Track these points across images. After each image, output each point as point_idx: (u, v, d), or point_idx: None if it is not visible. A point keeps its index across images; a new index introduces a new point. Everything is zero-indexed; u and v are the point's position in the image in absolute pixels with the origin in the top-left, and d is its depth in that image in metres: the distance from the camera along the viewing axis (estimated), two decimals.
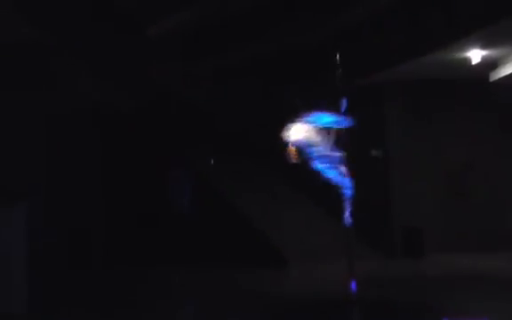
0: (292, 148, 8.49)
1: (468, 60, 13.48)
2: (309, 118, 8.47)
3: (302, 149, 8.47)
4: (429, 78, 14.89)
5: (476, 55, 13.28)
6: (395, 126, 15.35)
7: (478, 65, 13.52)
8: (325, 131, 8.54)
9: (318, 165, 8.49)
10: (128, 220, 15.45)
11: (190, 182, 15.41)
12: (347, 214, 8.55)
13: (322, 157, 8.47)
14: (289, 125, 8.43)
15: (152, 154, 15.65)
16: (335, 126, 8.55)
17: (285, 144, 8.52)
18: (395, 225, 15.15)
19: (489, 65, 13.86)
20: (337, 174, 8.53)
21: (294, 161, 8.53)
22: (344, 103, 8.71)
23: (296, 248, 14.29)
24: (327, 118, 8.54)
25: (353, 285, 9.08)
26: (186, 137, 15.91)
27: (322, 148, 8.49)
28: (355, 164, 9.18)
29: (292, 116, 8.48)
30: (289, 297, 11.13)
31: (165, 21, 14.47)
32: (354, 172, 8.97)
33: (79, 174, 14.43)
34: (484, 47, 12.97)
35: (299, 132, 8.46)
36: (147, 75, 14.40)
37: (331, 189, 8.97)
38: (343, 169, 8.61)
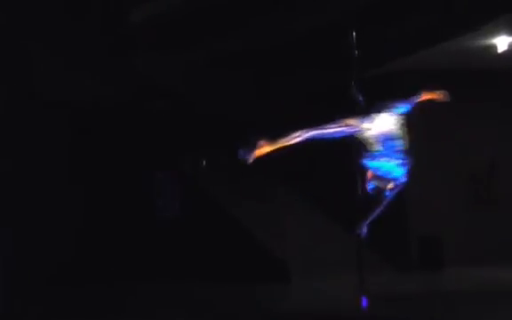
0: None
1: (494, 48, 13.53)
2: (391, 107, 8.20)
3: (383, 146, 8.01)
4: (450, 68, 14.65)
5: (502, 42, 13.35)
6: (411, 123, 14.76)
7: (505, 53, 13.58)
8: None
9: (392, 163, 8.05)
10: (105, 229, 15.26)
11: (179, 186, 15.44)
12: (366, 222, 8.16)
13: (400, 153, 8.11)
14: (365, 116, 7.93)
15: (135, 154, 15.54)
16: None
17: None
18: (410, 234, 15.05)
19: None
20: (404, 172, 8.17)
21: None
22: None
23: (301, 260, 14.28)
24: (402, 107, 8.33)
25: (364, 302, 9.03)
26: (174, 134, 15.74)
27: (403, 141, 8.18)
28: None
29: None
30: (293, 315, 11.05)
31: (150, 5, 14.36)
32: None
33: (50, 177, 14.30)
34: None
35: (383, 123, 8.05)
36: (128, 65, 14.29)
37: (340, 194, 9.29)
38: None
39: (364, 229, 8.13)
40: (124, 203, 15.38)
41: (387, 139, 7.97)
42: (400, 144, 8.07)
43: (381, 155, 7.85)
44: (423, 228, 14.85)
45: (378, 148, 7.80)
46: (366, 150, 7.77)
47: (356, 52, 9.38)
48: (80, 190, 15.12)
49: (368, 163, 7.81)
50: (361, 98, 8.31)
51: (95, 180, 15.36)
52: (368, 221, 8.11)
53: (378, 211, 8.06)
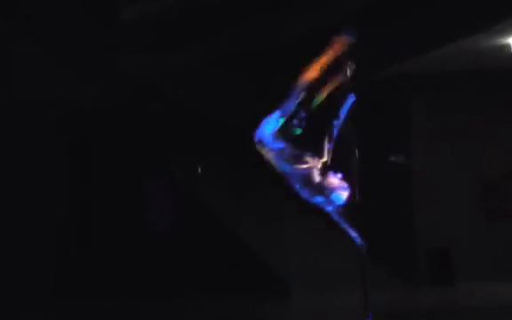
0: None
1: (507, 48, 13.36)
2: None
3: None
4: (462, 69, 14.54)
5: None
6: (420, 127, 14.98)
7: None
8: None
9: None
10: (92, 241, 15.17)
11: (171, 195, 15.33)
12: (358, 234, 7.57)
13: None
14: None
15: (124, 160, 15.39)
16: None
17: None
18: (419, 247, 14.83)
19: None
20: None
21: None
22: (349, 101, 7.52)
23: (301, 275, 14.16)
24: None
25: None
26: (166, 139, 15.61)
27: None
28: (371, 174, 8.80)
29: None
30: None
31: (142, 3, 14.09)
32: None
33: (32, 184, 14.19)
34: None
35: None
36: (118, 66, 14.08)
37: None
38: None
39: (364, 241, 7.52)
40: (112, 214, 15.21)
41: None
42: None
43: None
44: (433, 240, 14.63)
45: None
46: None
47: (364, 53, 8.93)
48: (64, 199, 14.98)
49: None
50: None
51: (81, 188, 15.25)
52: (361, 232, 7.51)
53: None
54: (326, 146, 6.82)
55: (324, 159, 6.82)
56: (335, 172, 6.88)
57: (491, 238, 14.84)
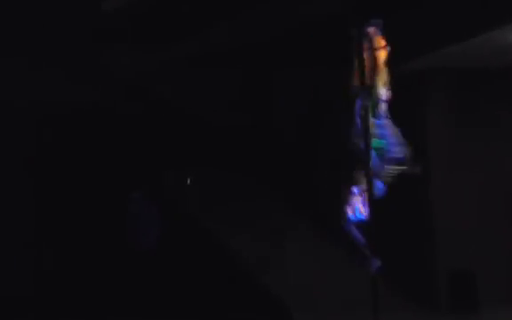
0: None
1: None
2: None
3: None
4: (482, 66, 14.16)
5: None
6: (438, 130, 14.61)
7: None
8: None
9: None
10: (67, 259, 14.60)
11: (158, 209, 14.82)
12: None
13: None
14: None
15: (104, 169, 14.96)
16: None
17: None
18: (438, 267, 14.38)
19: None
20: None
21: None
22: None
23: (304, 299, 13.73)
24: None
25: None
26: (152, 146, 15.23)
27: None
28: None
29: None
30: None
31: None
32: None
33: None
34: None
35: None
36: (99, 62, 13.85)
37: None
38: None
39: (377, 262, 7.53)
40: (92, 229, 14.72)
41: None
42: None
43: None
44: (454, 260, 14.16)
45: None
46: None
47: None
48: (40, 211, 14.60)
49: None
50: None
51: (58, 200, 14.75)
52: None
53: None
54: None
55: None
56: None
57: None
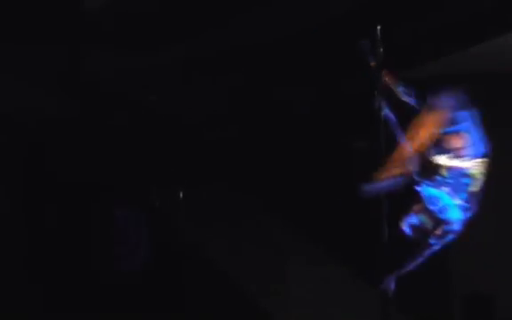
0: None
1: None
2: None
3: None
4: (490, 71, 13.63)
5: None
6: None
7: None
8: None
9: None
10: (48, 280, 13.82)
11: (146, 225, 14.30)
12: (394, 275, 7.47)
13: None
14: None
15: (88, 182, 14.34)
16: None
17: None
18: (453, 291, 13.89)
19: None
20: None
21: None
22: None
23: None
24: None
25: None
26: (141, 157, 14.60)
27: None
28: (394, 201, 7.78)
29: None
30: None
31: None
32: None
33: None
34: None
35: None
36: (81, 67, 13.19)
37: (360, 234, 8.71)
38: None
39: (392, 284, 7.53)
40: (74, 249, 13.99)
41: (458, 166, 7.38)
42: (472, 180, 7.50)
43: (445, 183, 7.32)
44: (469, 283, 13.63)
45: (443, 172, 7.29)
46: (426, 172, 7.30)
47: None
48: (20, 230, 13.90)
49: (422, 189, 7.32)
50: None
51: (38, 218, 14.11)
52: (398, 274, 7.55)
53: (414, 262, 7.69)
54: None
55: None
56: None
57: None
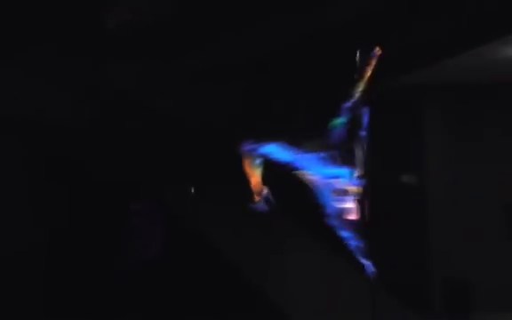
0: None
1: None
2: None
3: None
4: (478, 81, 14.57)
5: None
6: (434, 144, 14.99)
7: None
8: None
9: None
10: (71, 272, 14.48)
11: (160, 220, 15.00)
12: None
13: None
14: None
15: (105, 181, 14.99)
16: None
17: None
18: (434, 275, 14.79)
19: None
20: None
21: None
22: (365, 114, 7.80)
23: (304, 306, 14.12)
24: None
25: None
26: (154, 158, 15.18)
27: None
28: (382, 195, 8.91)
29: None
30: None
31: (126, 9, 13.44)
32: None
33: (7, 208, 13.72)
34: None
35: None
36: (99, 77, 13.77)
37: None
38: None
39: (372, 268, 7.67)
40: (93, 242, 14.67)
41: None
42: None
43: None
44: (449, 268, 14.65)
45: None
46: None
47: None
48: (38, 226, 14.44)
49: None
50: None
51: (56, 213, 14.70)
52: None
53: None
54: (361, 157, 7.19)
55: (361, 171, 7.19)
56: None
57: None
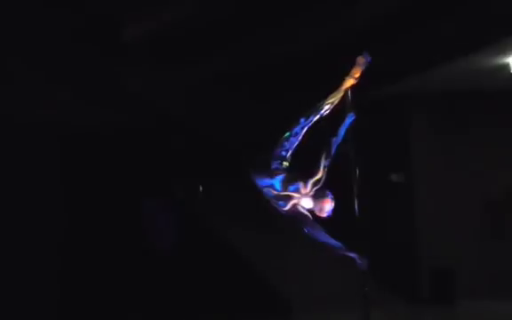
0: None
1: (507, 67, 13.65)
2: None
3: None
4: (461, 89, 14.91)
5: None
6: (421, 146, 15.32)
7: None
8: None
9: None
10: (92, 261, 15.06)
11: (172, 213, 15.48)
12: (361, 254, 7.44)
13: None
14: None
15: (125, 180, 15.51)
16: None
17: None
18: (421, 265, 15.12)
19: None
20: None
21: None
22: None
23: (302, 293, 14.29)
24: None
25: None
26: (168, 158, 15.79)
27: None
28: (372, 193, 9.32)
29: None
30: None
31: (143, 22, 14.19)
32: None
33: (32, 205, 14.14)
34: None
35: None
36: (119, 85, 14.24)
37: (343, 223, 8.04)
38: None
39: (365, 260, 7.34)
40: (113, 233, 15.23)
41: None
42: None
43: None
44: (434, 259, 14.92)
45: None
46: None
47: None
48: (64, 220, 14.95)
49: None
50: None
51: (81, 208, 15.23)
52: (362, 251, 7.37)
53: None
54: (323, 163, 6.82)
55: (319, 176, 6.81)
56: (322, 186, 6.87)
57: (492, 256, 15.06)
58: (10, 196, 13.77)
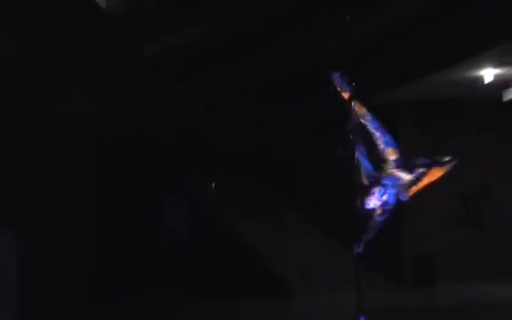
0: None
1: (480, 79, 14.13)
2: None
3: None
4: (440, 98, 15.60)
5: (488, 74, 13.96)
6: (405, 148, 14.53)
7: (491, 84, 14.18)
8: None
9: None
10: (118, 250, 15.76)
11: (188, 208, 15.84)
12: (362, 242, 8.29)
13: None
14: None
15: (147, 178, 16.07)
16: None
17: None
18: (406, 253, 15.84)
19: (502, 84, 14.49)
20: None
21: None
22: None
23: (302, 277, 14.86)
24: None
25: (362, 318, 8.77)
26: (184, 159, 16.41)
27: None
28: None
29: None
30: None
31: (164, 39, 15.10)
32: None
33: (65, 200, 14.34)
34: (496, 66, 13.65)
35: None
36: (142, 94, 14.65)
37: (340, 215, 9.12)
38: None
39: (361, 248, 8.12)
40: (134, 226, 15.82)
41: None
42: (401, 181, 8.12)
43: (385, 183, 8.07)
44: (417, 247, 15.68)
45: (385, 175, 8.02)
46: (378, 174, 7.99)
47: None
48: (92, 214, 15.43)
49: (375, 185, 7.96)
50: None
51: (111, 206, 15.78)
52: (364, 242, 8.17)
53: (371, 233, 8.17)
54: (382, 146, 7.82)
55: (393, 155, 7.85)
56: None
57: (467, 244, 15.88)
58: (51, 186, 13.23)
